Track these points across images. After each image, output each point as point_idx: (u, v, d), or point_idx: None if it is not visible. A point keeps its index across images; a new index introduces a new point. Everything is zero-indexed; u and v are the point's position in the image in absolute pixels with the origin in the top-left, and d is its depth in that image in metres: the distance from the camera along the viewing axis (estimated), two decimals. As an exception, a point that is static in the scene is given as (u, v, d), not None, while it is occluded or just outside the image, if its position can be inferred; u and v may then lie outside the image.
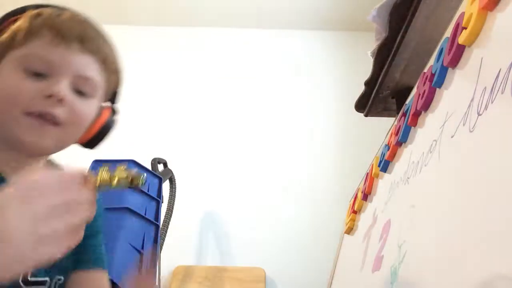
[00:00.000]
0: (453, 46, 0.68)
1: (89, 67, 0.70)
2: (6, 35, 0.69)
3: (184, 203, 2.06)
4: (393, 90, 1.28)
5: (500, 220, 0.43)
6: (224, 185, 2.47)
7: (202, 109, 2.63)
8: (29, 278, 0.69)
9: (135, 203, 1.41)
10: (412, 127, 0.85)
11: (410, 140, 0.86)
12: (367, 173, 1.18)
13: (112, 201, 1.29)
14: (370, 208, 1.10)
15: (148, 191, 1.49)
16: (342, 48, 2.74)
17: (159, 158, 1.91)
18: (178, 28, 2.78)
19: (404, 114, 0.90)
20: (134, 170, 0.54)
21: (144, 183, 0.54)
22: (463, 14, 0.67)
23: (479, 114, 0.55)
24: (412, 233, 0.68)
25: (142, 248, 1.38)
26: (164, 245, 1.71)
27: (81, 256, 0.78)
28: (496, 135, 0.49)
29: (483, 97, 0.54)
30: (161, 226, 1.54)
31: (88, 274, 0.79)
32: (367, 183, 1.13)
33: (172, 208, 1.81)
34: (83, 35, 0.69)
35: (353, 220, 1.24)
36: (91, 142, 0.77)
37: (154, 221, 1.45)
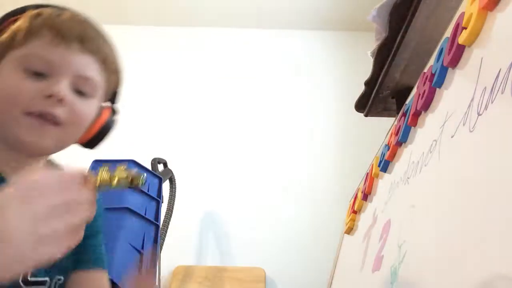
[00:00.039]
0: (453, 46, 0.68)
1: (89, 67, 0.70)
2: (6, 35, 0.69)
3: (184, 203, 2.06)
4: (393, 90, 1.28)
5: (500, 220, 0.43)
6: (224, 185, 2.47)
7: (202, 109, 2.63)
8: (29, 278, 0.69)
9: (135, 203, 1.41)
10: (412, 127, 0.85)
11: (410, 140, 0.86)
12: (367, 173, 1.18)
13: (112, 201, 1.29)
14: (370, 208, 1.10)
15: (148, 191, 1.49)
16: (342, 48, 2.74)
17: (159, 158, 1.91)
18: (178, 28, 2.78)
19: (404, 114, 0.90)
20: (134, 170, 0.54)
21: (144, 183, 0.54)
22: (463, 14, 0.67)
23: (479, 114, 0.55)
24: (412, 233, 0.68)
25: (142, 248, 1.37)
26: (164, 245, 1.71)
27: (81, 256, 0.78)
28: (496, 135, 0.49)
29: (483, 97, 0.54)
30: (161, 226, 1.54)
31: (88, 274, 0.79)
32: (367, 183, 1.13)
33: (172, 208, 1.81)
34: (83, 35, 0.69)
35: (353, 220, 1.24)
36: (91, 142, 0.77)
37: (154, 221, 1.45)
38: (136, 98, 2.39)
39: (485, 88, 0.55)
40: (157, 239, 1.44)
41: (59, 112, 0.66)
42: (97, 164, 1.26)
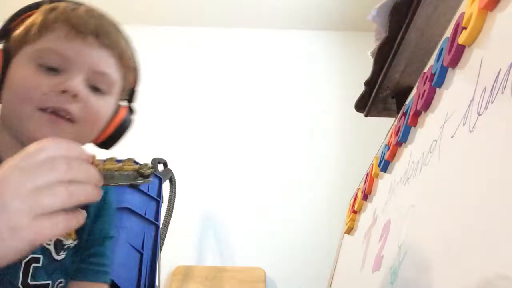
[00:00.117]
0: (453, 46, 0.68)
1: (105, 62, 0.67)
2: (20, 30, 0.67)
3: (184, 203, 2.06)
4: (393, 90, 1.28)
5: (500, 220, 0.43)
6: (224, 185, 2.47)
7: (202, 109, 2.63)
8: (29, 282, 0.67)
9: (135, 203, 1.41)
10: (412, 127, 0.85)
11: (410, 140, 0.86)
12: (367, 173, 1.18)
13: (112, 201, 1.29)
14: (370, 208, 1.10)
15: (148, 191, 1.49)
16: (342, 48, 2.74)
17: (159, 158, 1.91)
18: (178, 28, 2.77)
19: (404, 114, 0.90)
20: (143, 163, 0.52)
21: (152, 175, 0.51)
22: (463, 14, 0.66)
23: (479, 114, 0.54)
24: (412, 233, 0.68)
25: (142, 248, 1.37)
26: (164, 245, 1.71)
27: (84, 263, 0.75)
28: (496, 135, 0.49)
29: (483, 97, 0.54)
30: (161, 226, 1.54)
31: (87, 286, 0.75)
32: (367, 183, 1.13)
33: (172, 208, 1.81)
34: (99, 29, 0.67)
35: (353, 220, 1.24)
36: (106, 142, 0.74)
37: (154, 221, 1.45)
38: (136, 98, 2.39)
39: (485, 88, 0.55)
40: (157, 239, 1.44)
41: (73, 108, 0.64)
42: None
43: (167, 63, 2.72)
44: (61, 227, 0.43)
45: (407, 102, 0.94)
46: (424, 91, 0.79)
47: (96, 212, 0.77)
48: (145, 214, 1.43)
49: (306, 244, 2.32)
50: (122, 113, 0.75)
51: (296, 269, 2.29)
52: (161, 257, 1.63)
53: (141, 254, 1.36)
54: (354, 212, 1.23)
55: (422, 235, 0.64)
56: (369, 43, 1.27)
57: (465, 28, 0.64)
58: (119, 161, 0.52)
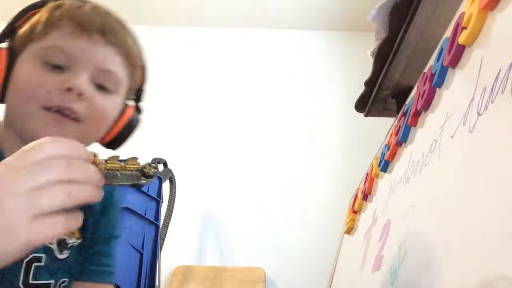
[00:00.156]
0: (453, 46, 0.68)
1: (111, 60, 0.66)
2: (25, 28, 0.66)
3: (184, 203, 2.06)
4: (393, 90, 1.28)
5: (501, 220, 0.43)
6: (224, 185, 2.47)
7: (202, 109, 2.63)
8: (30, 281, 0.66)
9: (135, 203, 1.41)
10: (412, 127, 0.85)
11: (410, 140, 0.86)
12: (367, 173, 1.18)
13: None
14: (370, 208, 1.10)
15: (148, 191, 1.49)
16: (342, 48, 2.74)
17: (159, 158, 1.90)
18: (178, 28, 2.77)
19: (404, 114, 0.90)
20: (146, 163, 0.50)
21: (155, 174, 0.50)
22: (463, 14, 0.66)
23: (479, 114, 0.54)
24: (412, 233, 0.68)
25: (142, 248, 1.37)
26: (164, 245, 1.71)
27: (88, 263, 0.74)
28: (496, 135, 0.49)
29: (483, 97, 0.54)
30: (161, 226, 1.54)
31: (92, 287, 0.74)
32: (367, 183, 1.13)
33: (172, 208, 1.81)
34: (104, 27, 0.66)
35: (353, 220, 1.24)
36: (113, 142, 0.73)
37: (154, 221, 1.45)
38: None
39: (485, 88, 0.55)
40: (157, 239, 1.44)
41: (78, 107, 0.63)
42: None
43: (167, 63, 2.72)
44: (60, 228, 0.42)
45: (407, 102, 0.94)
46: (424, 91, 0.79)
47: (101, 211, 0.76)
48: (145, 214, 1.43)
49: (306, 244, 2.32)
50: (129, 113, 0.73)
51: (296, 269, 2.29)
52: (161, 257, 1.63)
53: (141, 254, 1.36)
54: (354, 212, 1.23)
55: (422, 235, 0.64)
56: (369, 43, 1.27)
57: (465, 28, 0.64)
58: (121, 160, 0.50)
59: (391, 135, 0.99)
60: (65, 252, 0.71)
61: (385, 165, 0.99)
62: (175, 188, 1.91)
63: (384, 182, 1.02)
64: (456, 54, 0.67)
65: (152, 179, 0.50)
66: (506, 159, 0.46)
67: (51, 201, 0.41)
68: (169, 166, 1.99)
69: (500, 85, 0.50)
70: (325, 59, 2.75)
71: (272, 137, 2.58)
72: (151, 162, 0.51)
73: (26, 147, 0.43)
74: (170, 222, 1.77)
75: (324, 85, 2.69)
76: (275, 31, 2.80)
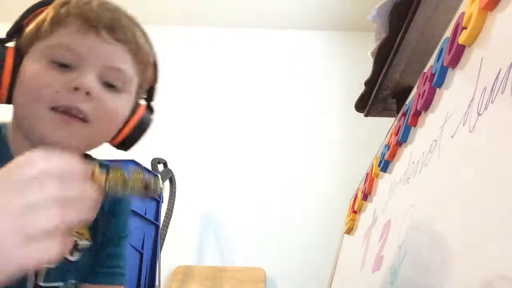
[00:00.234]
0: (453, 46, 0.68)
1: (120, 57, 0.64)
2: (31, 26, 0.64)
3: (184, 203, 2.06)
4: (393, 90, 1.28)
5: (500, 220, 0.43)
6: (224, 185, 2.47)
7: (202, 109, 2.63)
8: (41, 284, 0.64)
9: (135, 203, 1.41)
10: (412, 127, 0.85)
11: (410, 140, 0.86)
12: (367, 173, 1.18)
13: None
14: (370, 208, 1.10)
15: (148, 191, 1.49)
16: (342, 48, 2.74)
17: (159, 158, 1.91)
18: (178, 28, 2.78)
19: (404, 114, 0.90)
20: (151, 177, 0.46)
21: (161, 190, 0.47)
22: (463, 14, 0.66)
23: (479, 114, 0.54)
24: (412, 233, 0.68)
25: (142, 248, 1.38)
26: (164, 245, 1.71)
27: (99, 265, 0.73)
28: (496, 135, 0.49)
29: (483, 97, 0.54)
30: (161, 226, 1.54)
31: None
32: (367, 183, 1.13)
33: (172, 208, 1.81)
34: (113, 23, 0.63)
35: (353, 220, 1.24)
36: (124, 143, 0.71)
37: (154, 221, 1.45)
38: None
39: (485, 88, 0.55)
40: (157, 239, 1.44)
41: (86, 107, 0.60)
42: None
43: (167, 63, 2.71)
44: (53, 251, 0.38)
45: (407, 102, 0.94)
46: (424, 91, 0.79)
47: (110, 211, 0.74)
48: (145, 214, 1.43)
49: (306, 244, 2.32)
50: (140, 112, 0.71)
51: (296, 269, 2.29)
52: (161, 257, 1.63)
53: (141, 254, 1.37)
54: (354, 212, 1.23)
55: (422, 235, 0.64)
56: (369, 43, 1.27)
57: (465, 28, 0.64)
58: (126, 166, 0.47)
59: (391, 135, 0.99)
60: (76, 254, 0.70)
61: (385, 165, 0.99)
62: (175, 188, 1.91)
63: (384, 182, 1.02)
64: (456, 54, 0.67)
65: (156, 194, 0.46)
66: (506, 159, 0.46)
67: (43, 222, 0.38)
68: (169, 166, 1.99)
69: (500, 85, 0.50)
70: (325, 59, 2.75)
71: (272, 137, 2.58)
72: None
73: (18, 161, 0.40)
74: (170, 222, 1.77)
75: (324, 85, 2.69)
76: (275, 31, 2.80)
